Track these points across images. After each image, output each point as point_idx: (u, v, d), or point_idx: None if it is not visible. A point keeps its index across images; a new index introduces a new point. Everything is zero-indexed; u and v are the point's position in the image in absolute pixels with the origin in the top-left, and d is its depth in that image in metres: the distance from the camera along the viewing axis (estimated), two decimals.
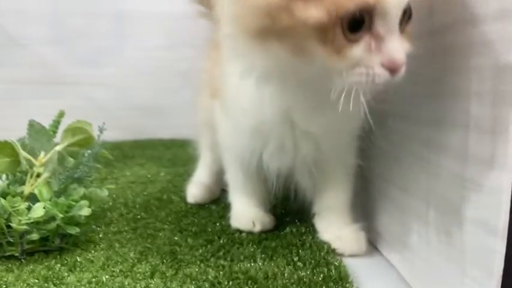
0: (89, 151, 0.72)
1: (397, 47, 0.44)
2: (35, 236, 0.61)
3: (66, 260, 0.61)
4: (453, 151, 0.46)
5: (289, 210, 0.78)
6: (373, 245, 0.67)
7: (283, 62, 0.46)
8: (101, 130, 0.71)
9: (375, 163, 0.67)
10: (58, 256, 0.62)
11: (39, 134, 0.67)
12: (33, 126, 0.67)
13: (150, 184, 0.98)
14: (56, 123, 0.71)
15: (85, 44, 1.47)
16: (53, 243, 0.63)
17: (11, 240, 0.61)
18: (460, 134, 0.44)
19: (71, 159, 0.70)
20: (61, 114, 0.71)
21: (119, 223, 0.74)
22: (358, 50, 0.43)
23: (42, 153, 0.64)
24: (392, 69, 0.44)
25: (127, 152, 1.28)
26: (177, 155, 1.23)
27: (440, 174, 0.48)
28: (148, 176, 1.04)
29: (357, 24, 0.42)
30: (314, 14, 0.41)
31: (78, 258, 0.61)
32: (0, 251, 0.62)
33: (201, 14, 0.78)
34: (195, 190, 0.85)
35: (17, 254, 0.61)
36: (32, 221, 0.60)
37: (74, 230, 0.62)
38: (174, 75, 1.42)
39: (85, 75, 1.47)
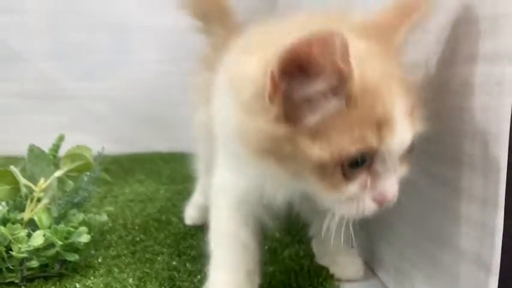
0: (88, 175, 0.72)
1: (392, 185, 0.44)
2: (34, 264, 0.61)
3: (66, 286, 0.62)
4: (448, 185, 0.46)
5: (288, 232, 0.79)
6: (370, 268, 0.68)
7: (281, 176, 0.46)
8: (100, 155, 0.72)
9: None
10: (57, 282, 0.63)
11: (38, 159, 0.68)
12: (32, 151, 0.68)
13: (149, 203, 0.98)
14: (56, 147, 0.72)
15: (84, 58, 1.47)
16: (53, 269, 0.64)
17: (11, 267, 0.62)
18: (454, 169, 0.45)
19: (71, 182, 0.70)
20: (61, 138, 0.72)
21: (117, 246, 0.75)
22: (354, 187, 0.43)
23: (42, 179, 0.65)
24: (382, 204, 0.44)
25: (126, 166, 1.28)
26: (176, 170, 1.23)
27: (436, 206, 0.49)
28: (148, 193, 1.05)
29: (357, 163, 0.42)
30: (318, 152, 0.41)
31: (77, 284, 0.62)
32: (0, 278, 0.62)
33: (198, 29, 0.78)
34: (192, 212, 0.85)
35: (17, 281, 0.62)
36: (31, 248, 0.60)
37: (73, 257, 0.63)
38: (173, 88, 1.42)
39: (84, 88, 1.48)
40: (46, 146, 0.73)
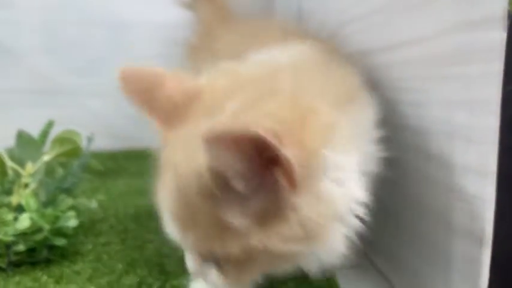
0: (77, 161, 0.71)
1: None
2: (21, 248, 0.60)
3: (53, 271, 0.61)
4: (439, 159, 0.46)
5: None
6: (363, 253, 0.67)
7: None
8: (90, 140, 0.71)
9: None
10: (45, 268, 0.62)
11: (27, 144, 0.67)
12: (21, 136, 0.67)
13: (142, 195, 0.97)
14: (45, 133, 0.71)
15: (79, 53, 1.47)
16: (40, 254, 0.63)
17: None
18: (445, 142, 0.44)
19: (60, 169, 0.70)
20: (50, 124, 0.71)
21: (108, 234, 0.73)
22: None
23: (30, 164, 0.64)
24: None
25: (121, 162, 1.27)
26: None
27: (428, 182, 0.48)
28: (140, 186, 1.03)
29: None
30: None
31: (65, 270, 0.61)
32: None
33: (184, 4, 0.78)
34: None
35: (3, 266, 0.61)
36: (18, 232, 0.59)
37: (61, 242, 0.62)
38: None
39: (79, 84, 1.47)
40: None
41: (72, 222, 0.62)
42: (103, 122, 1.46)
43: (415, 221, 0.51)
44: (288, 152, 0.32)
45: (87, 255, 0.65)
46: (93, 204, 0.68)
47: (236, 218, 0.36)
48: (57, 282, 0.58)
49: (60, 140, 0.65)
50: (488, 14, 0.37)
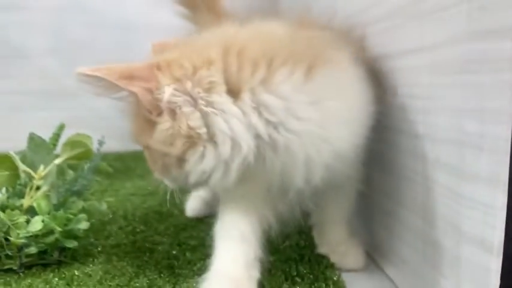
0: (88, 164, 0.72)
1: None
2: (33, 250, 0.61)
3: (64, 273, 0.61)
4: (448, 167, 0.46)
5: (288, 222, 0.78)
6: (371, 258, 0.67)
7: None
8: (101, 143, 0.72)
9: (371, 176, 0.67)
10: (56, 270, 0.62)
11: (39, 147, 0.67)
12: (33, 139, 0.68)
13: (150, 196, 0.98)
14: (56, 136, 0.71)
15: (87, 55, 1.47)
16: (51, 256, 0.64)
17: (10, 254, 0.61)
18: (455, 151, 0.44)
19: (71, 172, 0.70)
20: (61, 127, 0.72)
21: (117, 236, 0.74)
22: None
23: (42, 167, 0.65)
24: None
25: (129, 163, 1.28)
26: None
27: (436, 189, 0.48)
28: (149, 188, 1.04)
29: None
30: None
31: (76, 272, 0.62)
32: None
33: (184, 16, 0.79)
34: (194, 204, 0.85)
35: (15, 268, 0.62)
36: (30, 234, 0.60)
37: (72, 244, 0.62)
38: None
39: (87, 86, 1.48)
40: None
41: (83, 224, 0.62)
42: (110, 123, 1.46)
43: (425, 228, 0.52)
44: (135, 88, 0.50)
45: (98, 257, 0.66)
46: (103, 206, 0.69)
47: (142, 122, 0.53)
48: (68, 284, 0.59)
49: (72, 143, 0.65)
50: (501, 23, 0.37)
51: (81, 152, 0.65)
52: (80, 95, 1.45)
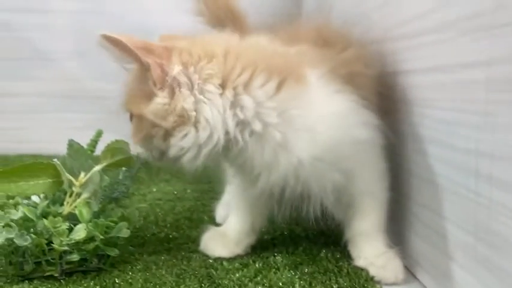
0: (125, 170, 0.72)
1: None
2: (75, 257, 0.61)
3: (105, 281, 0.61)
4: (506, 185, 0.45)
5: (322, 232, 0.78)
6: (409, 270, 0.67)
7: None
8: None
9: (410, 187, 0.67)
10: (96, 277, 0.62)
11: (78, 154, 0.68)
12: (72, 146, 0.68)
13: (178, 202, 0.98)
14: (94, 143, 0.72)
15: (109, 59, 1.48)
16: (91, 263, 0.64)
17: (51, 260, 0.62)
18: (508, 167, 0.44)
19: (107, 177, 0.71)
20: (99, 134, 0.72)
21: (152, 243, 0.74)
22: None
23: (82, 174, 0.65)
24: None
25: (151, 167, 1.28)
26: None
27: (492, 207, 0.48)
28: (175, 192, 1.05)
29: None
30: None
31: (116, 279, 0.62)
32: (40, 271, 0.62)
33: (200, 13, 0.88)
34: (223, 211, 0.86)
35: (56, 275, 0.62)
36: (72, 241, 0.60)
37: (113, 252, 0.63)
38: None
39: (109, 89, 1.48)
40: None
41: (124, 232, 0.63)
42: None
43: (477, 246, 0.51)
44: (150, 60, 0.57)
45: (136, 265, 0.66)
46: (136, 214, 0.69)
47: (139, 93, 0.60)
48: None
49: (112, 150, 0.66)
50: None
51: (122, 158, 0.66)
52: (103, 97, 1.47)
